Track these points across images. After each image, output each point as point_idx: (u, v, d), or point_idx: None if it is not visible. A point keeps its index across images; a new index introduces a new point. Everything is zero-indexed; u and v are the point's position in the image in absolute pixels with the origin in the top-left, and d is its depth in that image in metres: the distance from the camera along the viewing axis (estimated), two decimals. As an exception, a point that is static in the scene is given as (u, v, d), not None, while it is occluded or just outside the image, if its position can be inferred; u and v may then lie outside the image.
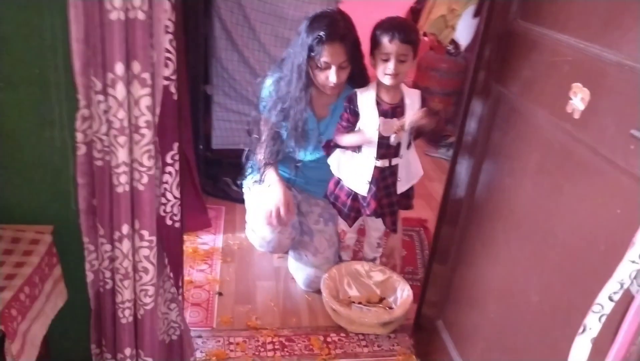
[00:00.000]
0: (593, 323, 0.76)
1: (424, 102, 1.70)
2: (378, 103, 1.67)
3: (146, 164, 1.09)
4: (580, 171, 0.93)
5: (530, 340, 1.06)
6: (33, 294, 1.11)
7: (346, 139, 1.72)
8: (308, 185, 2.05)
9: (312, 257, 1.93)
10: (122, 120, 1.06)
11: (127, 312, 1.21)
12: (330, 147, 1.80)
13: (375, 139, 1.67)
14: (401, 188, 1.76)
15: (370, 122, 1.68)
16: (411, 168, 1.79)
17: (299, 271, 1.96)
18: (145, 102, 1.06)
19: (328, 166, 1.98)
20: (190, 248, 2.11)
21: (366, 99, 1.69)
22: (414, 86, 3.74)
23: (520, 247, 1.12)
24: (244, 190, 2.09)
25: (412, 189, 1.86)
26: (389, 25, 1.60)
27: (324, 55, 1.66)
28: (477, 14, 3.21)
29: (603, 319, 0.75)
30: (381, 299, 1.90)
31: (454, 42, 3.42)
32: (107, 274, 1.22)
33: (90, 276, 1.26)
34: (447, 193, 1.53)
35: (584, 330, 0.76)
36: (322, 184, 2.02)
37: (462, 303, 1.42)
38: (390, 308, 1.84)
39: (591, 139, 0.90)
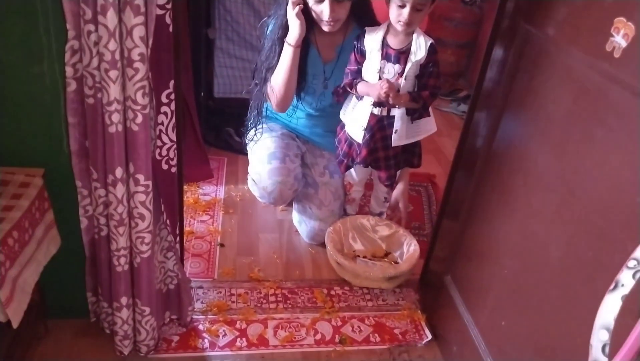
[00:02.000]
0: (626, 280, 0.69)
1: (431, 55, 1.57)
2: (383, 46, 1.58)
3: (140, 101, 1.01)
4: (617, 115, 0.85)
5: (549, 296, 1.00)
6: (23, 240, 1.05)
7: (358, 87, 1.64)
8: (313, 136, 1.96)
9: (316, 210, 1.87)
10: (113, 52, 0.97)
11: (122, 260, 1.15)
12: (340, 93, 1.71)
13: (375, 82, 1.59)
14: (398, 141, 1.67)
15: (372, 64, 1.61)
16: (416, 121, 1.68)
17: (303, 224, 1.90)
18: (139, 32, 0.97)
19: (334, 116, 1.89)
20: (191, 198, 2.05)
21: (373, 39, 1.60)
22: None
23: (542, 200, 1.04)
24: (246, 141, 2.00)
25: (418, 146, 1.77)
26: None
27: None
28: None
29: (638, 275, 0.68)
30: (387, 254, 1.85)
31: (469, -10, 3.25)
32: (102, 220, 1.16)
33: (84, 222, 1.20)
34: (462, 144, 1.44)
35: (615, 287, 0.70)
36: (328, 135, 1.94)
37: (474, 258, 1.36)
38: (396, 262, 1.79)
39: (633, 80, 0.81)
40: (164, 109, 1.09)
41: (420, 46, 1.56)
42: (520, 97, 1.17)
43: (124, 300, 1.20)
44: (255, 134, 1.89)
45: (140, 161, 1.06)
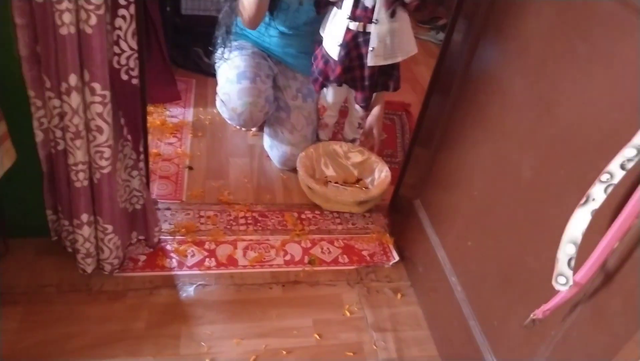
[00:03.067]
0: (597, 194, 0.68)
1: None
2: None
3: (93, 0, 0.92)
4: (603, 28, 0.81)
5: (517, 215, 1.00)
6: (-29, 150, 0.98)
7: None
8: (286, 56, 1.88)
9: (288, 134, 1.82)
10: (60, -58, 0.87)
11: (81, 175, 1.10)
12: (321, 5, 1.61)
13: None
14: (374, 60, 1.60)
15: None
16: (395, 41, 1.60)
17: (274, 148, 1.86)
18: None
19: (308, 36, 1.81)
20: (157, 120, 1.97)
21: None
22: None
23: (517, 120, 1.02)
24: (215, 60, 1.91)
25: (396, 68, 1.70)
26: None
27: None
28: None
29: (609, 190, 0.68)
30: (358, 180, 1.84)
31: None
32: (58, 133, 1.09)
33: (39, 136, 1.13)
34: (438, 68, 1.39)
35: (586, 201, 0.69)
36: (302, 56, 1.86)
37: (444, 183, 1.35)
38: (367, 188, 1.79)
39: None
40: (121, 12, 1.00)
41: None
42: (502, 15, 1.11)
43: (84, 217, 1.16)
44: (224, 52, 1.79)
45: (95, 67, 0.98)
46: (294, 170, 1.78)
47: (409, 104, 2.38)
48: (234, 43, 1.83)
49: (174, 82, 2.15)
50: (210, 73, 2.15)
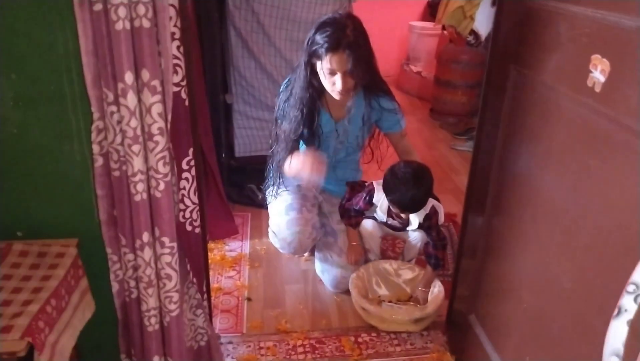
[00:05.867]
0: (629, 304, 0.71)
1: (426, 220, 1.77)
2: (389, 213, 1.83)
3: (162, 170, 1.09)
4: (607, 146, 0.89)
5: (565, 327, 1.01)
6: (60, 307, 1.12)
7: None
8: (329, 185, 2.03)
9: (337, 258, 1.91)
10: (135, 129, 1.07)
11: (153, 320, 1.21)
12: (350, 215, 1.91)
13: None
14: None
15: (379, 216, 1.88)
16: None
17: (325, 272, 1.94)
18: (157, 109, 1.07)
19: (352, 164, 1.96)
20: (218, 255, 2.12)
21: (381, 206, 1.82)
22: (436, 80, 3.68)
23: (549, 232, 1.07)
24: (266, 195, 2.08)
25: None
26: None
27: (329, 63, 1.63)
28: (495, 2, 3.14)
29: (639, 299, 0.71)
30: (411, 297, 1.86)
31: (473, 33, 3.35)
32: (132, 283, 1.23)
33: (115, 287, 1.27)
34: (471, 185, 1.48)
35: (619, 313, 0.72)
36: (342, 183, 2.00)
37: (494, 295, 1.37)
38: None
39: (614, 112, 0.85)
40: (185, 175, 1.18)
41: (413, 221, 1.79)
42: (519, 135, 1.21)
43: (156, 359, 1.25)
44: (275, 191, 1.97)
45: (164, 224, 1.13)
46: (347, 292, 1.83)
47: (454, 215, 2.43)
48: (282, 180, 2.01)
49: (231, 218, 2.33)
50: (263, 205, 2.33)
